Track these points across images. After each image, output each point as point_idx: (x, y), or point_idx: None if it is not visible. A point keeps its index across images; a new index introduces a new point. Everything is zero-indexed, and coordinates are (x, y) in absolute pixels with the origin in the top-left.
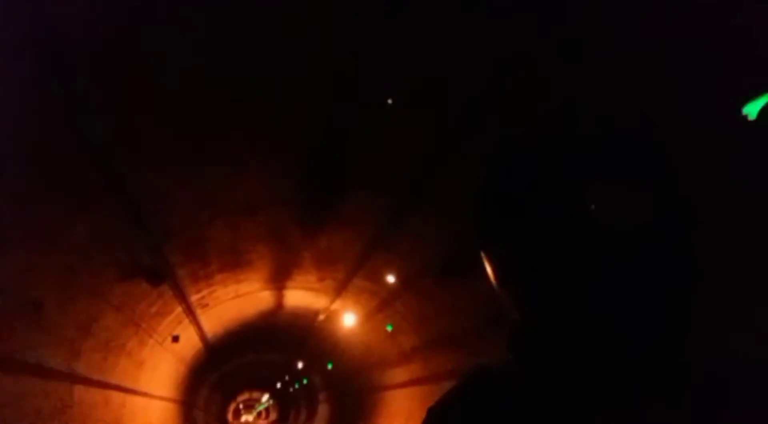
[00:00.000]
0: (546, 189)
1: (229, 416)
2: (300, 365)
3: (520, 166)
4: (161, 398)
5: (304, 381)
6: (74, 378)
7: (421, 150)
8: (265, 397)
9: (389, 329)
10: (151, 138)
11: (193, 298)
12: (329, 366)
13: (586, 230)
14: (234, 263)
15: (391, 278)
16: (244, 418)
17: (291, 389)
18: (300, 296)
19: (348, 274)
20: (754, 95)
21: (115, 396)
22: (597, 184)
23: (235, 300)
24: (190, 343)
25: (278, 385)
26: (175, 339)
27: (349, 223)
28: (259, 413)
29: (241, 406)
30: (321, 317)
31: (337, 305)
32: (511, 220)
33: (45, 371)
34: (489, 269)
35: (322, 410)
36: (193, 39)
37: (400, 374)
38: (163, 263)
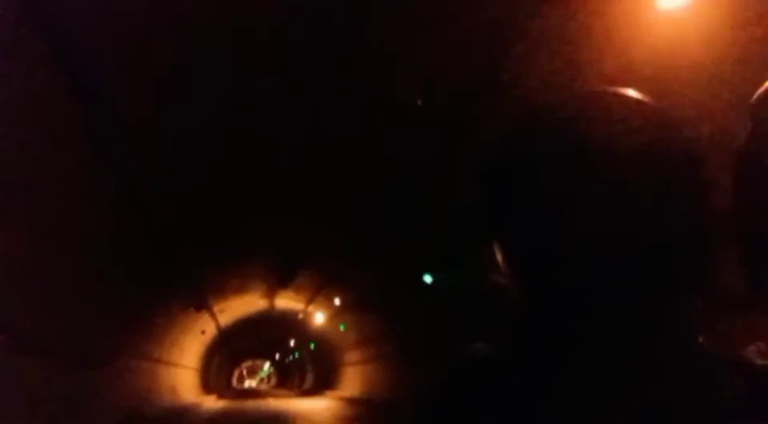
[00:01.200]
0: (548, 176)
1: (234, 380)
2: (292, 343)
3: (524, 151)
4: (190, 368)
5: (296, 355)
6: (159, 361)
7: (339, 256)
8: (266, 365)
9: (342, 328)
10: (205, 264)
11: (215, 308)
12: (312, 346)
13: (585, 216)
14: (241, 291)
15: (337, 301)
16: (247, 383)
17: (287, 361)
18: (285, 303)
19: (311, 297)
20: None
21: (172, 369)
22: (601, 175)
23: (240, 306)
24: (210, 332)
25: (276, 356)
26: (203, 332)
27: (304, 283)
28: (262, 379)
29: (244, 371)
30: (300, 315)
31: (310, 309)
32: (515, 201)
33: (151, 359)
34: (496, 248)
35: (309, 378)
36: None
37: (354, 356)
38: (204, 301)
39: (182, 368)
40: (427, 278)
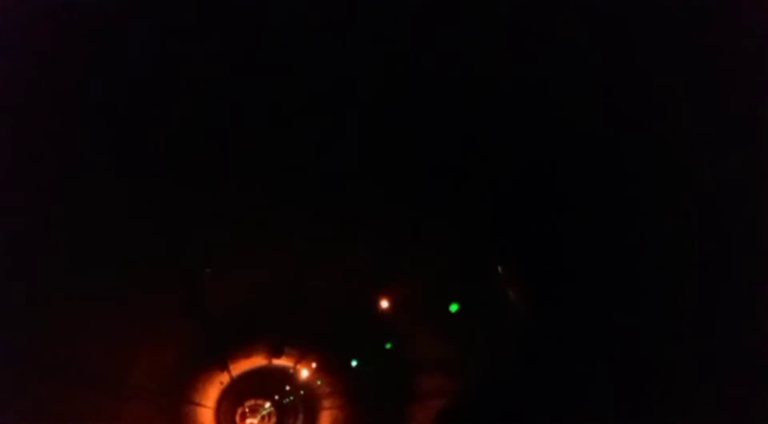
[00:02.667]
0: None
1: (237, 418)
2: (287, 388)
3: (526, 197)
4: (209, 407)
5: (291, 398)
6: (193, 403)
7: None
8: (267, 404)
9: (319, 382)
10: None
11: (231, 366)
12: (302, 392)
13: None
14: (249, 357)
15: (314, 364)
16: (249, 420)
17: (284, 402)
18: (280, 362)
19: (298, 360)
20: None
21: (199, 408)
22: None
23: (247, 363)
24: (225, 381)
25: (276, 397)
26: (221, 383)
27: (291, 353)
28: (263, 417)
29: (246, 410)
30: (291, 370)
31: (298, 367)
32: (521, 242)
33: (190, 401)
34: (503, 278)
35: (300, 419)
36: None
37: (327, 402)
38: (225, 364)
39: (205, 407)
40: (353, 362)
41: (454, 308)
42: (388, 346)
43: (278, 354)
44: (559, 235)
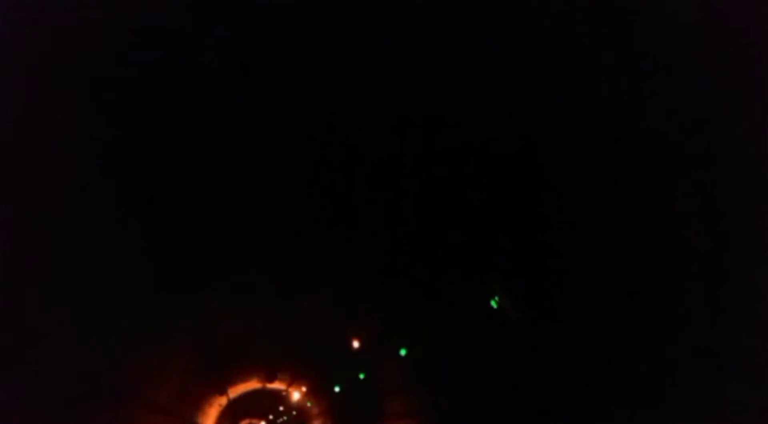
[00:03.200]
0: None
1: None
2: (281, 408)
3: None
4: None
5: (285, 418)
6: None
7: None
8: (262, 423)
9: (309, 404)
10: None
11: (229, 391)
12: (294, 413)
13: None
14: (245, 382)
15: (303, 388)
16: None
17: (278, 421)
18: (274, 386)
19: (289, 384)
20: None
21: None
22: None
23: (243, 387)
24: (223, 403)
25: (270, 417)
26: (220, 405)
27: (283, 379)
28: None
29: None
30: (284, 392)
31: (290, 389)
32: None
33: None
34: (502, 302)
35: None
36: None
37: (317, 422)
38: (225, 389)
39: None
40: (336, 388)
41: (403, 352)
42: (362, 376)
43: (272, 379)
44: (559, 235)
